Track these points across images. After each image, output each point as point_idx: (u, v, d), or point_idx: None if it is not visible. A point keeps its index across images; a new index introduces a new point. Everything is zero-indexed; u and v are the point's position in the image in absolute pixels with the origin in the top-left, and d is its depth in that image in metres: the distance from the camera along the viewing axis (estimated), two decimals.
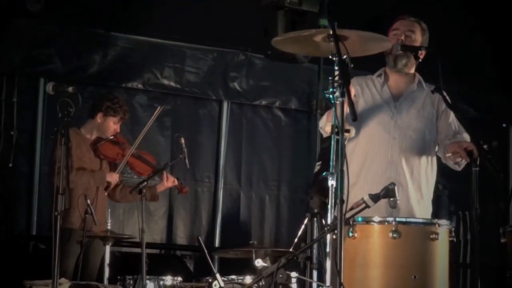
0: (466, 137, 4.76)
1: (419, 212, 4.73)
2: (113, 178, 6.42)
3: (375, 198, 4.00)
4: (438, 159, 4.89)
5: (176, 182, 6.63)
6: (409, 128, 4.80)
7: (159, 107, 6.67)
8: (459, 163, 4.74)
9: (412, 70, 4.91)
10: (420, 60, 4.79)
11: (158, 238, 7.87)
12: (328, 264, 3.90)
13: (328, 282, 3.85)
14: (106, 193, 6.42)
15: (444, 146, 4.76)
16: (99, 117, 6.44)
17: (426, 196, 4.83)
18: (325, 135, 4.65)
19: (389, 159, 4.74)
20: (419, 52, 4.78)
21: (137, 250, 6.04)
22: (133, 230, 7.04)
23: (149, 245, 6.50)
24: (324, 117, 4.74)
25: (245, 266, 5.67)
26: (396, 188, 4.02)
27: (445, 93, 4.63)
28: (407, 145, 4.77)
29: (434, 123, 4.86)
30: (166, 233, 7.95)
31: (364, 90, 4.87)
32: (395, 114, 4.81)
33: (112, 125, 6.46)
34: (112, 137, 6.46)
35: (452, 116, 4.82)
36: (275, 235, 8.32)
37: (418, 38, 4.85)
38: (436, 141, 4.86)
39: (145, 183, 6.04)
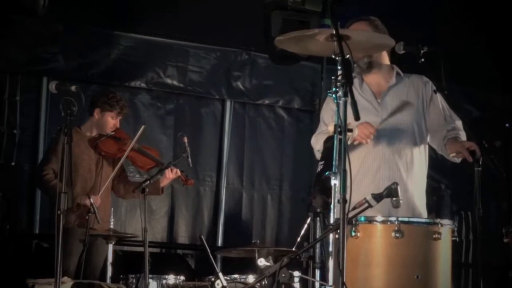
0: (459, 124, 4.75)
1: (418, 202, 4.74)
2: (87, 202, 6.04)
3: (378, 197, 3.99)
4: (431, 148, 4.87)
5: (179, 173, 6.53)
6: (396, 122, 4.76)
7: (142, 127, 6.36)
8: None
9: (386, 62, 4.88)
10: (423, 59, 4.76)
11: (159, 237, 7.87)
12: (331, 263, 3.91)
13: (330, 282, 3.85)
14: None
15: (442, 138, 4.73)
16: (96, 114, 6.43)
17: (420, 186, 4.83)
18: (318, 155, 4.62)
19: (381, 156, 4.72)
20: (421, 51, 4.75)
21: (140, 249, 6.04)
22: (135, 229, 7.05)
23: (151, 244, 6.49)
24: (314, 139, 4.78)
25: (248, 265, 5.67)
26: (398, 187, 4.02)
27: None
28: (398, 140, 4.74)
29: (421, 112, 4.82)
30: (168, 232, 7.96)
31: None
32: (379, 111, 4.78)
33: (111, 120, 6.44)
34: (112, 133, 6.45)
35: (441, 101, 4.78)
36: (277, 235, 8.32)
37: None
38: (426, 131, 4.83)
39: (148, 182, 6.03)
